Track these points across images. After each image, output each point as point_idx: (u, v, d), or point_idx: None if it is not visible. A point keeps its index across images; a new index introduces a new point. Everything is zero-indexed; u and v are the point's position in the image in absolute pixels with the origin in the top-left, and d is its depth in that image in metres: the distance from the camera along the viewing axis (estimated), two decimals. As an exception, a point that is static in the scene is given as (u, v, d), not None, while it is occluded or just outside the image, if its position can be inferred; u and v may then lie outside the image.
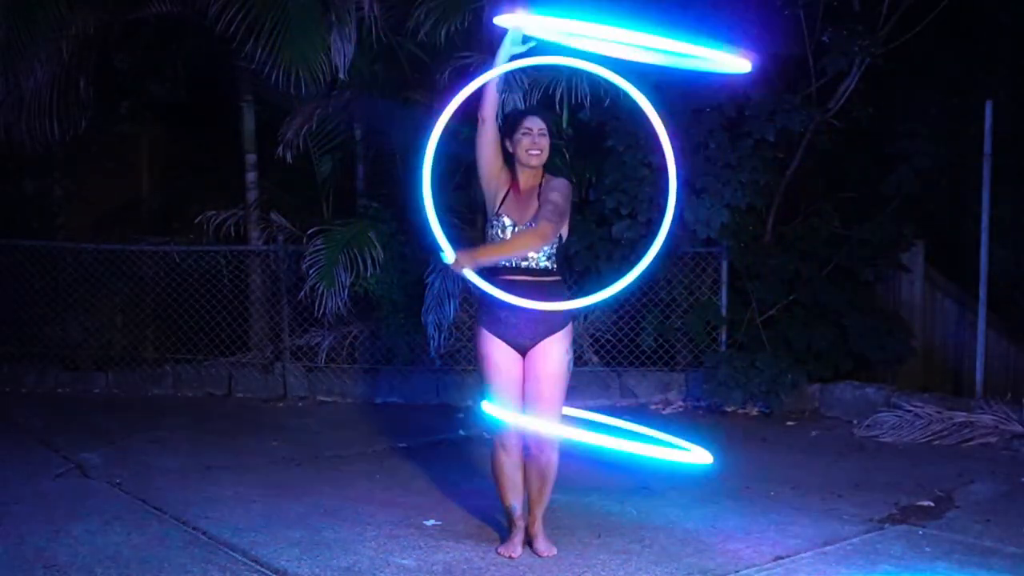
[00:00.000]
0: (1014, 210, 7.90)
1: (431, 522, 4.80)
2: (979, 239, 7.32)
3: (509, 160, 4.31)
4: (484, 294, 4.13)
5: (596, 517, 4.87)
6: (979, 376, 7.33)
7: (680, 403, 7.93)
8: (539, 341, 4.20)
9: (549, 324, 4.19)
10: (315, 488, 5.43)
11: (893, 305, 8.48)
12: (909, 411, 6.90)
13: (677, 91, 6.86)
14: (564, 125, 7.96)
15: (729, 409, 7.63)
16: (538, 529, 4.34)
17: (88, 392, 8.47)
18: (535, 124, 4.26)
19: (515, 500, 4.32)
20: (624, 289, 4.17)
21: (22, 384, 8.56)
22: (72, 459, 6.01)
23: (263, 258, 8.60)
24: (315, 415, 7.69)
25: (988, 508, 5.18)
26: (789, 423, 7.37)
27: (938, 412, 6.82)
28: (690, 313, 7.88)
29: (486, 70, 4.21)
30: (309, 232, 7.98)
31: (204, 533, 4.56)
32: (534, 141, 4.24)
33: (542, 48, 4.21)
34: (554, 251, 4.28)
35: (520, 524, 4.33)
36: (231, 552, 4.31)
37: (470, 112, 4.27)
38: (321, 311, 7.71)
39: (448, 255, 3.98)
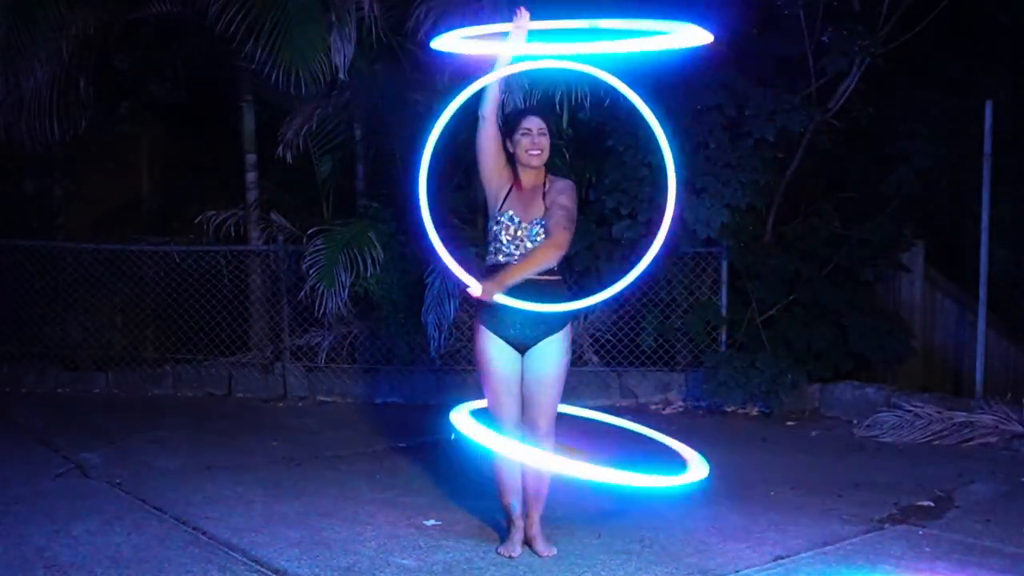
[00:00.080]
0: (1014, 210, 7.91)
1: (431, 522, 4.80)
2: (979, 239, 7.32)
3: (510, 160, 4.30)
4: None
5: (596, 517, 4.86)
6: (979, 376, 7.33)
7: (680, 403, 7.93)
8: (539, 340, 4.21)
9: (549, 324, 4.20)
10: (315, 488, 5.43)
11: (893, 305, 8.49)
12: (909, 411, 6.90)
13: (677, 91, 6.86)
14: (564, 125, 7.97)
15: (729, 409, 7.64)
16: (536, 531, 4.34)
17: (88, 392, 8.47)
18: (534, 124, 4.25)
19: (514, 499, 4.32)
20: (624, 289, 4.17)
21: (22, 384, 8.57)
22: (72, 459, 6.01)
23: (263, 258, 8.60)
24: (315, 415, 7.69)
25: (988, 508, 5.18)
26: (789, 423, 7.37)
27: (938, 412, 6.82)
28: (690, 313, 7.88)
29: (486, 71, 4.21)
30: (309, 232, 7.98)
31: (204, 533, 4.57)
32: (534, 141, 4.23)
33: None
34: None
35: (519, 523, 4.34)
36: (231, 552, 4.31)
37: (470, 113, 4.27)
38: (321, 311, 7.71)
39: (474, 289, 3.95)
